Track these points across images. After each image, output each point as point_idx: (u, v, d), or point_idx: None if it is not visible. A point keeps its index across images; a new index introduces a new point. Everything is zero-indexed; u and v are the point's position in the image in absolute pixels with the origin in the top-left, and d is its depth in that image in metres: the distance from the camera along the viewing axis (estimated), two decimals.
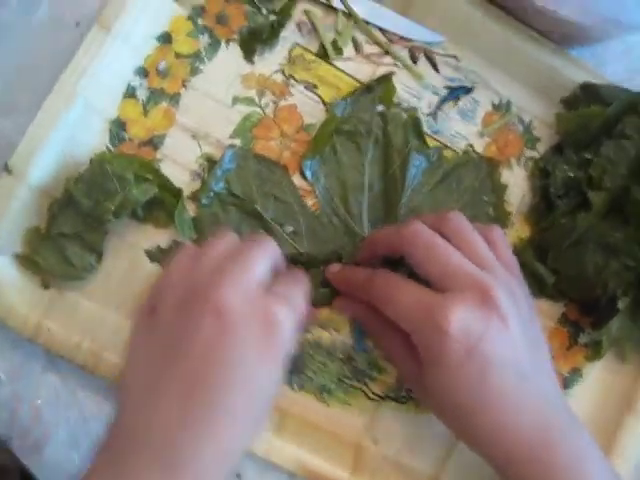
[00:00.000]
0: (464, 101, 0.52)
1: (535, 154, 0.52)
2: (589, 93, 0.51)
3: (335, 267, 0.48)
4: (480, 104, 0.52)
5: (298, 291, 0.41)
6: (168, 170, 0.48)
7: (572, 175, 0.50)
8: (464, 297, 0.39)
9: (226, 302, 0.36)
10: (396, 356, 0.45)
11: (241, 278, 0.38)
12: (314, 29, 0.50)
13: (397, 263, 0.45)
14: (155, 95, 0.48)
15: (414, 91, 0.51)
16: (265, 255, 0.40)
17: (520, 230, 0.52)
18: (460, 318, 0.38)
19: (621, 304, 0.48)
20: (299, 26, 0.50)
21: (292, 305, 0.38)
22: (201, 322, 0.36)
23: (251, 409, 0.37)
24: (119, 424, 0.38)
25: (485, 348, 0.39)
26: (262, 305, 0.37)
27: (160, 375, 0.37)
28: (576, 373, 0.51)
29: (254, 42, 0.49)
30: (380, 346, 0.48)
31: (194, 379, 0.36)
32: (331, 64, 0.50)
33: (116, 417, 0.38)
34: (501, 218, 0.51)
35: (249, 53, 0.49)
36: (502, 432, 0.40)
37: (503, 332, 0.39)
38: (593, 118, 0.50)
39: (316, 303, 0.48)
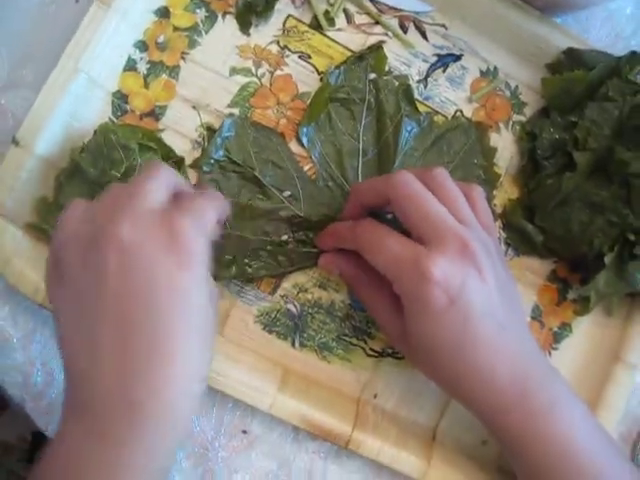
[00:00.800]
0: (453, 68, 0.54)
1: (522, 118, 0.54)
2: (573, 58, 0.53)
3: (327, 228, 0.49)
4: (468, 71, 0.54)
5: (202, 203, 0.39)
6: (170, 140, 0.50)
7: (558, 137, 0.52)
8: (445, 248, 0.40)
9: (124, 234, 0.35)
10: (381, 314, 0.46)
11: (133, 208, 0.36)
12: (307, 1, 0.52)
13: (380, 218, 0.47)
14: (155, 68, 0.50)
15: (404, 59, 0.53)
16: (155, 182, 0.38)
17: (509, 191, 0.54)
18: (443, 267, 0.40)
19: (607, 259, 0.50)
20: None
21: (195, 215, 0.37)
22: (106, 262, 0.35)
23: (188, 327, 0.36)
24: (71, 382, 0.37)
25: (466, 297, 0.40)
26: (162, 223, 0.36)
27: (90, 331, 0.36)
28: (566, 328, 0.54)
29: (250, 14, 0.51)
30: (366, 305, 0.49)
31: (119, 321, 0.35)
32: (324, 34, 0.52)
33: (66, 377, 0.38)
34: (491, 180, 0.53)
35: (245, 25, 0.51)
36: (484, 383, 0.42)
37: (481, 283, 0.41)
38: (577, 82, 0.51)
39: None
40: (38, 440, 0.86)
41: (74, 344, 0.37)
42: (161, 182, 0.39)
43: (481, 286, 0.41)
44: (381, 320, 0.47)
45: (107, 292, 0.35)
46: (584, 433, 0.43)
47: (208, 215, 0.39)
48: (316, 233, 0.49)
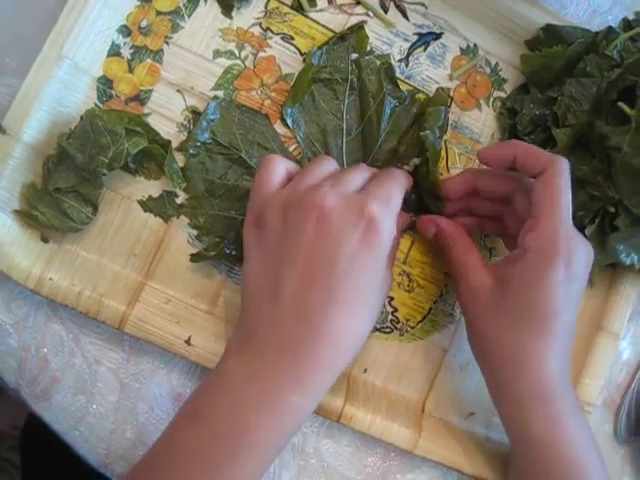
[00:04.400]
0: (433, 47, 0.54)
1: (503, 94, 0.55)
2: (551, 34, 0.53)
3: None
4: (449, 49, 0.54)
5: (390, 187, 0.45)
6: (156, 123, 0.50)
7: (538, 113, 0.53)
8: (582, 239, 0.46)
9: (325, 208, 0.41)
10: (470, 269, 0.48)
11: (338, 185, 0.43)
12: None
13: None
14: (139, 52, 0.50)
15: (386, 39, 0.53)
16: (363, 177, 0.45)
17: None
18: (581, 250, 0.45)
19: (588, 231, 0.51)
20: None
21: (387, 201, 0.43)
22: (304, 225, 0.41)
23: (359, 299, 0.42)
24: (245, 324, 0.43)
25: (578, 286, 0.45)
26: (358, 204, 0.41)
27: (276, 276, 0.42)
28: None
29: None
30: (455, 262, 0.50)
31: (305, 275, 0.41)
32: (306, 16, 0.52)
33: (241, 317, 0.44)
34: None
35: (227, 8, 0.51)
36: (540, 365, 0.45)
37: (585, 281, 0.46)
38: (556, 58, 0.52)
39: None
40: (29, 428, 0.87)
41: (260, 282, 0.43)
42: (361, 173, 0.46)
43: (584, 287, 0.46)
44: (467, 274, 0.48)
45: (300, 248, 0.41)
46: (589, 441, 0.46)
47: (395, 198, 0.44)
48: None
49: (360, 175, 0.45)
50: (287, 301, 0.41)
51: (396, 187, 0.45)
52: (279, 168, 0.45)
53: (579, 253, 0.44)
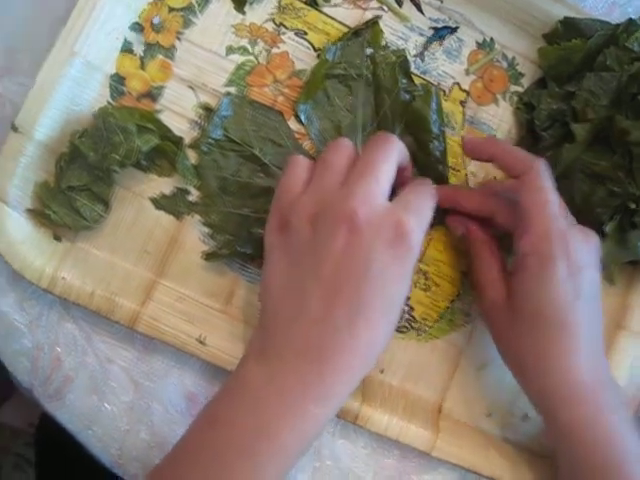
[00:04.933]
0: (449, 41, 0.53)
1: (519, 89, 0.54)
2: (570, 27, 0.52)
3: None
4: (465, 43, 0.53)
5: (425, 201, 0.44)
6: (168, 120, 0.49)
7: (555, 108, 0.52)
8: (586, 231, 0.46)
9: (358, 215, 0.40)
10: (488, 278, 0.49)
11: (368, 191, 0.41)
12: None
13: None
14: (151, 49, 0.50)
15: (400, 33, 0.53)
16: (389, 159, 0.43)
17: None
18: (576, 243, 0.44)
19: (608, 228, 0.50)
20: None
21: (420, 215, 0.42)
22: (336, 233, 0.40)
23: (385, 310, 0.41)
24: (266, 328, 0.42)
25: (585, 277, 0.44)
26: (391, 216, 0.40)
27: (302, 282, 0.41)
28: None
29: None
30: (480, 268, 0.50)
31: (332, 285, 0.40)
32: (320, 11, 0.52)
33: (262, 321, 0.43)
34: None
35: (240, 4, 0.51)
36: (564, 367, 0.44)
37: (597, 273, 0.45)
38: (574, 52, 0.51)
39: None
40: (44, 424, 0.87)
41: (283, 287, 0.42)
42: (392, 161, 0.43)
43: (596, 274, 0.45)
44: (485, 288, 0.49)
45: (329, 258, 0.40)
46: (632, 437, 0.44)
47: (428, 213, 0.43)
48: None
49: (387, 173, 0.43)
50: (312, 309, 0.40)
51: (428, 200, 0.44)
52: (303, 170, 0.44)
53: (577, 244, 0.44)
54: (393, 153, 0.43)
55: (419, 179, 0.47)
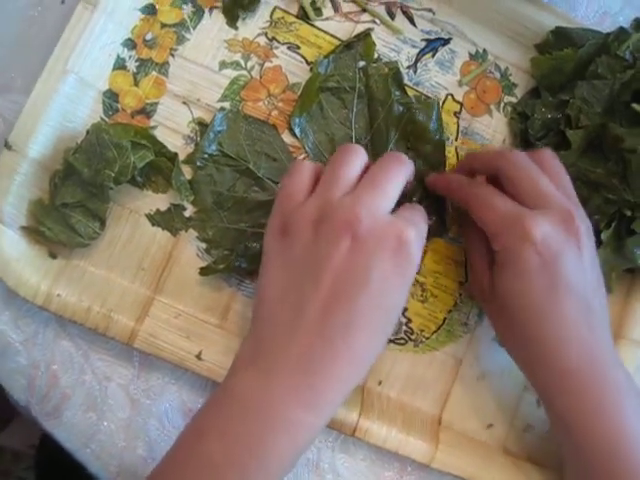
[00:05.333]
0: (442, 52, 0.53)
1: (513, 99, 0.54)
2: (561, 37, 0.53)
3: (433, 176, 0.51)
4: (457, 54, 0.54)
5: (423, 218, 0.44)
6: (162, 136, 0.50)
7: (549, 117, 0.52)
8: (551, 214, 0.43)
9: (362, 223, 0.39)
10: (475, 269, 0.49)
11: (375, 203, 0.41)
12: None
13: None
14: (144, 65, 0.50)
15: (393, 45, 0.53)
16: (399, 178, 0.43)
17: None
18: (545, 231, 0.42)
19: (604, 236, 0.50)
20: None
21: (419, 227, 0.42)
22: (337, 243, 0.39)
23: (382, 321, 0.41)
24: (259, 336, 0.41)
25: (560, 265, 0.42)
26: (394, 226, 0.40)
27: (300, 289, 0.40)
28: None
29: (236, 8, 0.51)
30: (467, 257, 0.52)
31: (333, 294, 0.39)
32: (312, 24, 0.52)
33: (254, 330, 0.42)
34: None
35: (232, 19, 0.51)
36: (550, 358, 0.43)
37: (578, 258, 0.43)
38: (566, 61, 0.51)
39: None
40: (44, 446, 0.86)
41: (280, 293, 0.41)
42: (401, 181, 0.43)
43: (577, 261, 0.43)
44: (474, 273, 0.49)
45: (330, 266, 0.39)
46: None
47: (425, 229, 0.44)
48: None
49: (395, 190, 0.43)
50: (309, 317, 0.39)
51: (424, 218, 0.44)
52: (308, 174, 0.44)
53: (547, 230, 0.42)
54: (404, 173, 0.43)
55: (410, 204, 0.46)
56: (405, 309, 0.52)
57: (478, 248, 0.49)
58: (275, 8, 0.52)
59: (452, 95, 0.53)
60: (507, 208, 0.44)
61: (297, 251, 0.41)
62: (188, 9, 0.51)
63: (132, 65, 0.50)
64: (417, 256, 0.41)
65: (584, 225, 0.44)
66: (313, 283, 0.40)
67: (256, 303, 0.43)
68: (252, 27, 0.51)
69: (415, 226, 0.41)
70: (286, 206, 0.43)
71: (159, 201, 0.50)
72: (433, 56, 0.53)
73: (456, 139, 0.53)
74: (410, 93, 0.52)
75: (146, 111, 0.50)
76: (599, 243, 0.50)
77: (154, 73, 0.50)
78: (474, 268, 0.49)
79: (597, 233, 0.50)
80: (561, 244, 0.42)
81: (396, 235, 0.40)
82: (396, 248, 0.40)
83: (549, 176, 0.45)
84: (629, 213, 0.50)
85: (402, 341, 0.52)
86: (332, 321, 0.39)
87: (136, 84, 0.50)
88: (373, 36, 0.52)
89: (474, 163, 0.49)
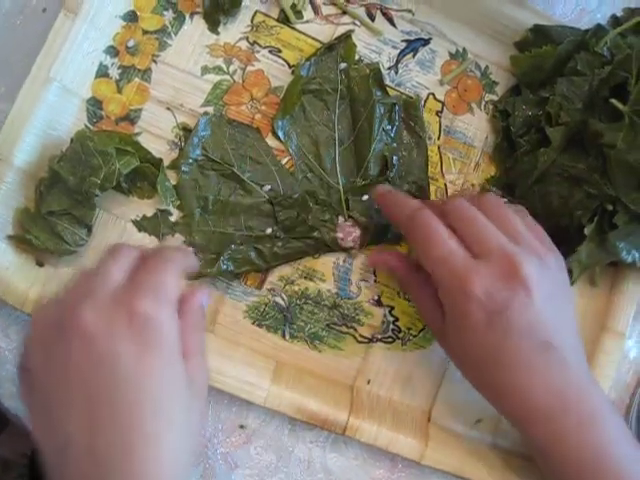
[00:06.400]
0: (422, 53, 0.54)
1: (494, 97, 0.55)
2: (540, 35, 0.53)
3: (384, 187, 0.49)
4: (438, 54, 0.54)
5: (159, 272, 0.38)
6: (147, 142, 0.50)
7: (530, 114, 0.53)
8: (493, 266, 0.42)
9: (87, 323, 0.35)
10: (423, 307, 0.48)
11: (93, 294, 0.36)
12: None
13: None
14: (127, 72, 0.50)
15: (374, 47, 0.53)
16: (114, 263, 0.38)
17: (486, 170, 0.54)
18: (486, 284, 0.41)
19: (587, 230, 0.51)
20: None
21: (154, 289, 0.37)
22: (70, 353, 0.35)
23: (162, 416, 0.35)
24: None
25: (507, 316, 0.41)
26: (121, 306, 0.36)
27: (58, 430, 0.35)
28: None
29: (217, 13, 0.51)
30: (411, 297, 0.51)
31: (87, 408, 0.34)
32: (292, 28, 0.52)
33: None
34: None
35: (213, 24, 0.51)
36: (520, 394, 0.43)
37: (525, 303, 0.41)
38: (546, 58, 0.52)
39: (303, 254, 0.51)
40: (38, 456, 0.86)
41: (45, 442, 0.36)
42: (119, 261, 0.38)
43: (525, 306, 0.41)
44: (423, 312, 0.49)
45: (72, 385, 0.35)
46: (618, 446, 0.43)
47: (168, 281, 0.38)
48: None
49: (118, 266, 0.38)
50: (77, 454, 0.34)
51: (168, 270, 0.38)
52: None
53: (492, 282, 0.41)
54: (120, 254, 0.39)
55: (158, 248, 0.43)
56: (392, 308, 0.52)
57: (424, 287, 0.47)
58: (256, 12, 0.52)
59: (433, 94, 0.54)
60: (450, 254, 0.43)
61: (37, 384, 0.36)
62: (169, 15, 0.51)
63: (115, 72, 0.50)
64: (164, 324, 0.36)
65: (532, 262, 0.42)
66: (65, 414, 0.35)
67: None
68: (233, 32, 0.52)
69: (148, 291, 0.36)
70: (24, 347, 0.38)
71: (145, 207, 0.50)
72: (414, 56, 0.54)
73: (438, 138, 0.53)
74: (392, 93, 0.53)
75: (130, 118, 0.50)
76: (583, 238, 0.50)
77: (137, 80, 0.50)
78: (423, 308, 0.48)
79: (580, 228, 0.50)
80: (506, 296, 0.41)
81: (126, 314, 0.35)
82: (133, 329, 0.35)
83: (494, 221, 0.44)
84: (611, 207, 0.50)
85: (390, 339, 0.52)
86: (99, 442, 0.34)
87: (119, 91, 0.50)
88: (354, 38, 0.52)
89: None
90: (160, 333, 0.36)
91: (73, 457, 0.34)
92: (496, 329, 0.41)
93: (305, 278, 0.51)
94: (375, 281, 0.52)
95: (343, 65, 0.51)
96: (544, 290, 0.42)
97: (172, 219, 0.50)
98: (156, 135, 0.50)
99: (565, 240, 0.53)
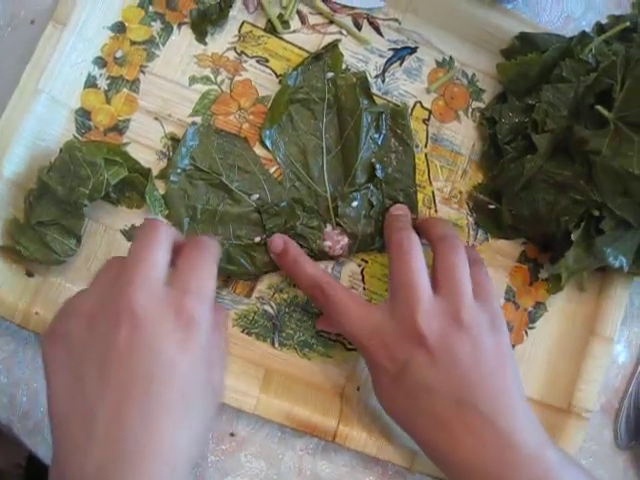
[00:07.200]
0: (409, 61, 0.54)
1: (481, 104, 0.55)
2: (526, 42, 0.54)
3: (279, 243, 0.49)
4: (424, 62, 0.55)
5: (205, 271, 0.41)
6: (135, 152, 0.50)
7: (517, 121, 0.53)
8: (396, 325, 0.44)
9: (138, 309, 0.36)
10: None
11: (142, 278, 0.37)
12: (260, 6, 0.53)
13: None
14: (115, 83, 0.51)
15: (361, 56, 0.54)
16: (160, 249, 0.39)
17: (474, 177, 0.55)
18: (387, 346, 0.44)
19: (574, 236, 0.51)
20: (246, 4, 0.53)
21: (200, 292, 0.39)
22: (115, 335, 0.36)
23: (184, 405, 0.37)
24: (57, 461, 0.37)
25: (410, 376, 0.43)
26: (172, 301, 0.38)
27: (86, 397, 0.36)
28: (540, 306, 0.55)
29: (204, 23, 0.51)
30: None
31: (120, 387, 0.35)
32: (280, 37, 0.53)
33: (53, 456, 0.37)
34: None
35: (201, 34, 0.52)
36: (446, 457, 0.44)
37: (428, 364, 0.43)
38: (532, 65, 0.52)
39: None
40: (32, 467, 0.86)
41: (67, 406, 0.37)
42: (162, 245, 0.40)
43: (429, 367, 0.43)
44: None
45: (112, 361, 0.36)
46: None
47: (209, 284, 0.40)
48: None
49: (162, 253, 0.39)
50: (102, 424, 0.35)
51: (207, 265, 0.41)
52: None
53: (395, 339, 0.44)
54: (159, 238, 0.40)
55: (194, 240, 0.43)
56: None
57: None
58: (243, 22, 0.53)
59: (420, 102, 0.54)
60: (355, 318, 0.46)
61: (76, 353, 0.37)
62: (157, 26, 0.51)
63: (103, 83, 0.51)
64: (205, 326, 0.38)
65: (447, 318, 0.44)
66: (98, 385, 0.36)
67: (50, 425, 0.38)
68: (221, 42, 0.52)
69: (194, 292, 0.39)
70: (60, 314, 0.40)
71: (134, 216, 0.50)
72: (400, 65, 0.54)
73: (425, 146, 0.54)
74: (379, 102, 0.53)
75: (118, 128, 0.50)
76: (570, 243, 0.50)
77: (125, 90, 0.51)
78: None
79: (567, 234, 0.51)
80: (406, 355, 0.44)
81: (175, 311, 0.37)
82: (179, 324, 0.37)
83: (439, 261, 0.47)
84: (597, 213, 0.50)
85: None
86: (126, 421, 0.35)
87: (108, 102, 0.51)
88: (341, 47, 0.53)
89: None
90: (200, 335, 0.38)
91: (96, 430, 0.35)
92: (402, 387, 0.44)
93: (294, 286, 0.51)
94: (364, 288, 0.52)
95: (330, 74, 0.52)
96: (452, 350, 0.43)
97: None
98: (144, 145, 0.51)
99: (552, 245, 0.54)
